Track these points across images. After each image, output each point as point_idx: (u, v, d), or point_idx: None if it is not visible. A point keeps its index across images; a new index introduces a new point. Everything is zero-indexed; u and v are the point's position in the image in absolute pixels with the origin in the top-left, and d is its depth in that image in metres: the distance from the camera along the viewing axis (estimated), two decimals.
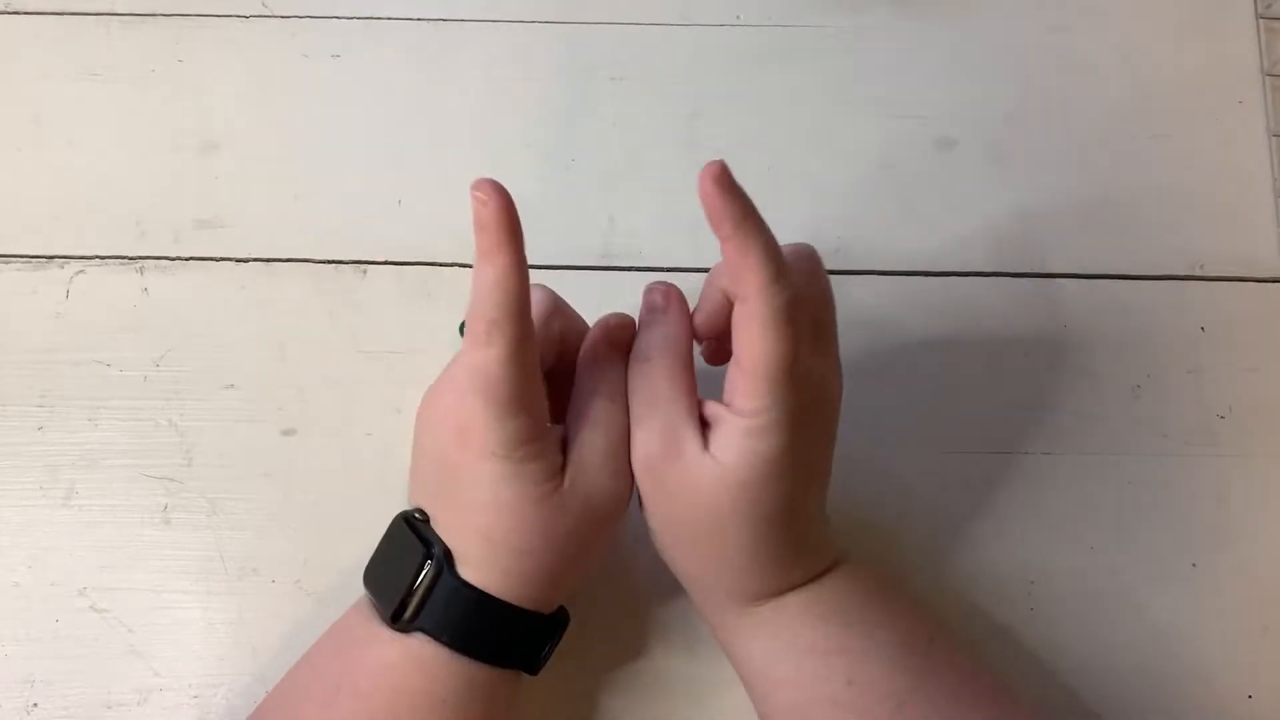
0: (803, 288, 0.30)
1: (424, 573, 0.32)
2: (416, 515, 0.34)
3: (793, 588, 0.33)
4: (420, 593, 0.32)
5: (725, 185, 0.28)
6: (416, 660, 0.32)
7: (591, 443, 0.32)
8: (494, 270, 0.29)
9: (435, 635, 0.32)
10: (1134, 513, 0.41)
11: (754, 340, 0.29)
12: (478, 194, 0.29)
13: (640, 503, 0.33)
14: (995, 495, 0.41)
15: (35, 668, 0.39)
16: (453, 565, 0.32)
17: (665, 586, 0.39)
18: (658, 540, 0.34)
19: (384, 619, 0.33)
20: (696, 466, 0.31)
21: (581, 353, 0.34)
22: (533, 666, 0.34)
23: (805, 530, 0.33)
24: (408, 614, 0.32)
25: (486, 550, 0.32)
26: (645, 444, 0.32)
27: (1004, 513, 0.41)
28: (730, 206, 0.28)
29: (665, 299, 0.34)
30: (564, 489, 0.31)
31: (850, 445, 0.41)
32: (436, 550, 0.32)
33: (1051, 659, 0.39)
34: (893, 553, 0.40)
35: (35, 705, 0.38)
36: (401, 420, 0.41)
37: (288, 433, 0.42)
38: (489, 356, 0.29)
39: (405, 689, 0.32)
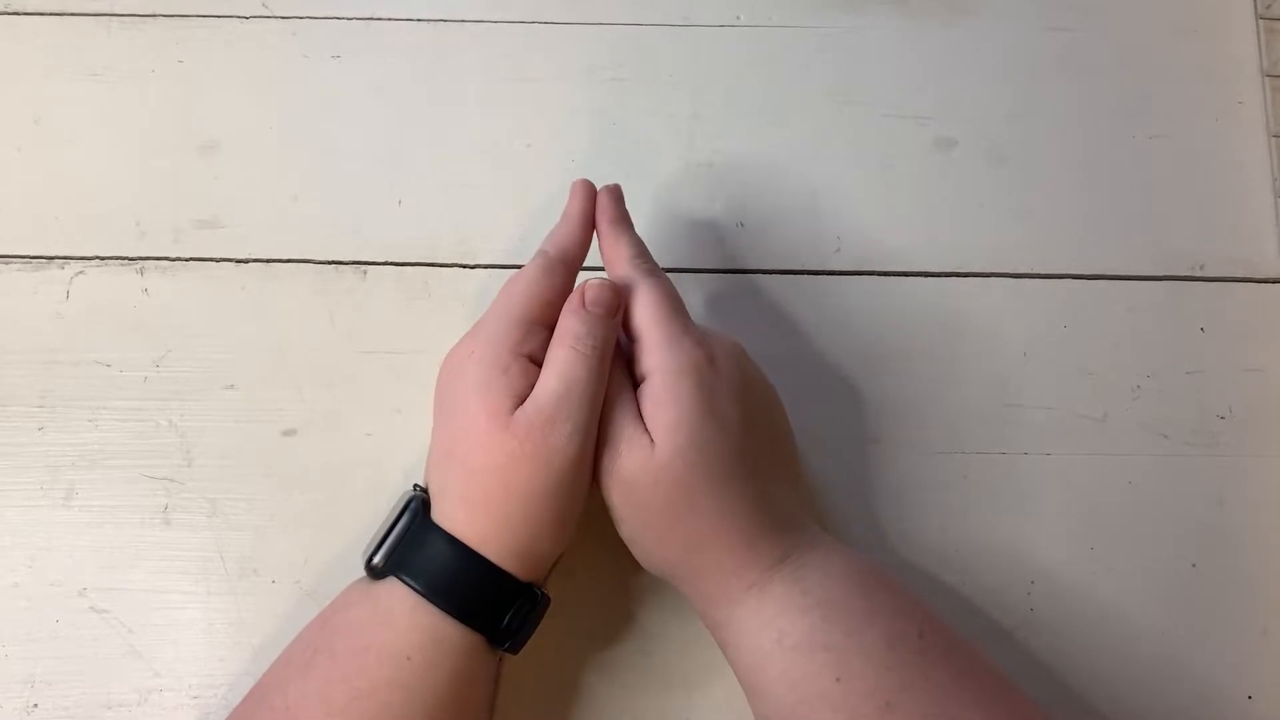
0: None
1: (401, 516, 0.35)
2: (417, 485, 0.37)
3: (773, 566, 0.34)
4: (395, 535, 0.35)
5: (617, 197, 0.39)
6: (384, 615, 0.33)
7: (546, 385, 0.33)
8: (563, 221, 0.39)
9: (399, 575, 0.34)
10: (1134, 513, 0.41)
11: (636, 300, 0.35)
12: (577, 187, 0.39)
13: (617, 520, 0.35)
14: (995, 495, 0.41)
15: (35, 668, 0.39)
16: (428, 508, 0.35)
17: (664, 582, 0.39)
18: (641, 551, 0.35)
19: (364, 568, 0.35)
20: (649, 453, 0.33)
21: (563, 309, 0.36)
22: (497, 633, 0.34)
23: (768, 495, 0.34)
24: (378, 556, 0.34)
25: (447, 469, 0.34)
26: (609, 460, 0.34)
27: (1004, 513, 0.41)
28: (614, 208, 0.39)
29: (615, 303, 0.35)
30: (515, 415, 0.33)
31: (850, 445, 0.42)
32: (416, 494, 0.35)
33: (1051, 659, 0.39)
34: (891, 553, 0.40)
35: (35, 705, 0.38)
36: (401, 420, 0.42)
37: (288, 433, 0.42)
38: (527, 270, 0.36)
39: (373, 646, 0.33)
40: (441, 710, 0.33)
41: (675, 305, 0.36)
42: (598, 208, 0.39)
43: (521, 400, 0.33)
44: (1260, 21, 0.48)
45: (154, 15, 0.47)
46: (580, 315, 0.34)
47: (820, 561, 0.34)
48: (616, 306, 0.35)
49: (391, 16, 0.47)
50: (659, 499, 0.33)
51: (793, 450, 0.38)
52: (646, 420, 0.34)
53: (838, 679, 0.32)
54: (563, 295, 0.36)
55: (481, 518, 0.34)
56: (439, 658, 0.33)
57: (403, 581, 0.33)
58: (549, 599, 0.36)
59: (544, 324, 0.35)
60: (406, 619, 0.33)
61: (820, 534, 0.36)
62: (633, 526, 0.35)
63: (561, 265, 0.37)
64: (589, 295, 0.35)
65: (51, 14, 0.47)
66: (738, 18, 0.48)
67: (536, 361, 0.35)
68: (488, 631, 0.34)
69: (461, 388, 0.34)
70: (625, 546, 0.36)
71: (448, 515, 0.34)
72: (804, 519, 0.36)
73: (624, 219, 0.39)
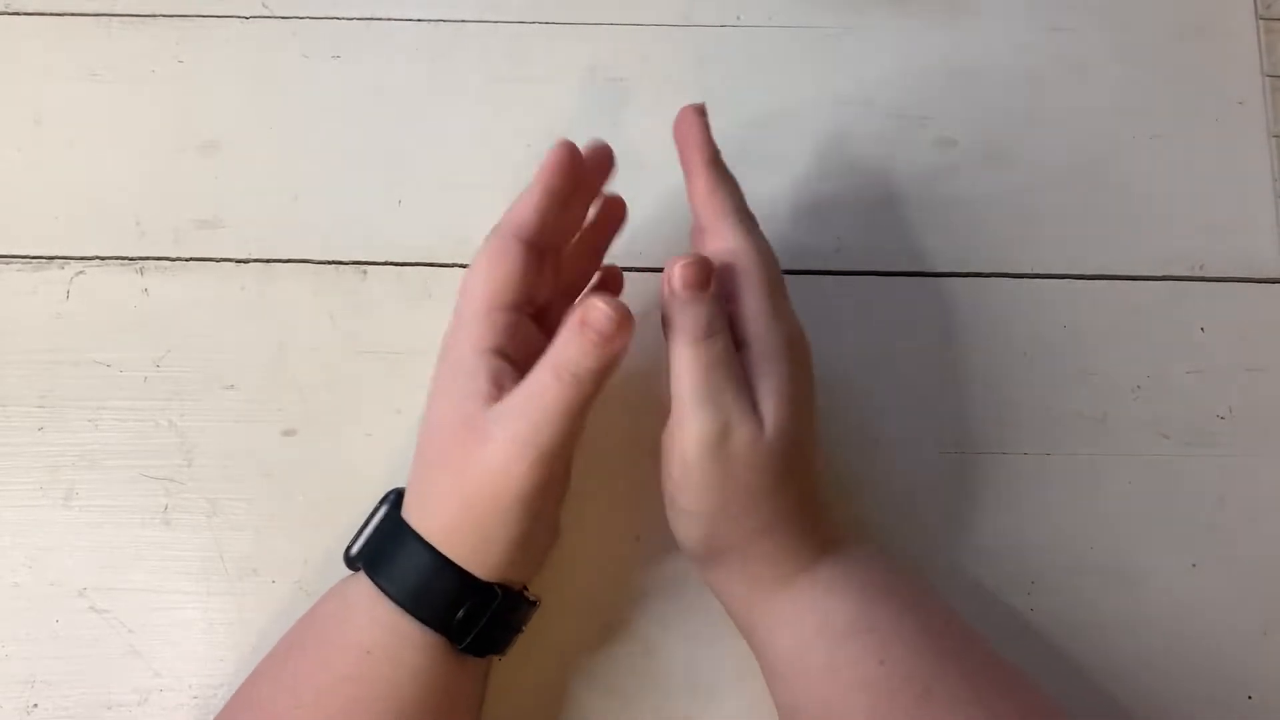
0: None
1: (379, 508, 0.36)
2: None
3: (824, 549, 0.34)
4: (370, 527, 0.35)
5: (705, 123, 0.35)
6: (348, 608, 0.33)
7: (516, 408, 0.31)
8: (525, 192, 0.35)
9: (362, 567, 0.34)
10: (1134, 513, 0.41)
11: (739, 264, 0.33)
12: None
13: (678, 499, 0.33)
14: (995, 495, 0.41)
15: (35, 668, 0.39)
16: (399, 501, 0.35)
17: (665, 583, 0.39)
18: (705, 531, 0.33)
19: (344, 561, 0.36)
20: (759, 430, 0.31)
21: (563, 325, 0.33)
22: (450, 630, 0.32)
23: (815, 480, 0.35)
24: (355, 547, 0.35)
25: (416, 462, 0.34)
26: (711, 427, 0.31)
27: (1004, 513, 0.41)
28: (708, 144, 0.35)
29: (706, 276, 0.31)
30: (483, 414, 0.31)
31: (850, 444, 0.41)
32: (393, 491, 0.36)
33: (1052, 659, 0.39)
34: (892, 553, 0.40)
35: (35, 705, 0.38)
36: (401, 420, 0.42)
37: (288, 433, 0.42)
38: (478, 259, 0.34)
39: (336, 639, 0.33)
40: (411, 710, 0.32)
41: (778, 272, 0.34)
42: (684, 138, 0.35)
43: (492, 398, 0.31)
44: (1260, 21, 0.48)
45: (154, 15, 0.47)
46: (574, 340, 0.30)
47: (860, 549, 0.35)
48: (708, 282, 0.31)
49: (391, 16, 0.47)
50: (753, 477, 0.31)
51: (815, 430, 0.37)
52: (756, 392, 0.32)
53: (881, 662, 0.31)
54: (527, 273, 0.33)
55: (436, 513, 0.33)
56: (400, 653, 0.32)
57: (366, 574, 0.33)
58: (529, 602, 0.35)
59: (509, 308, 0.33)
60: (366, 613, 0.33)
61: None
62: (708, 505, 0.32)
63: (516, 243, 0.33)
64: (678, 274, 0.31)
65: (51, 14, 0.47)
66: (738, 18, 0.48)
67: (505, 353, 0.33)
68: (439, 627, 0.32)
69: (434, 386, 0.34)
70: (621, 546, 0.35)
71: (411, 507, 0.34)
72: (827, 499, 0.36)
73: (719, 158, 0.35)
